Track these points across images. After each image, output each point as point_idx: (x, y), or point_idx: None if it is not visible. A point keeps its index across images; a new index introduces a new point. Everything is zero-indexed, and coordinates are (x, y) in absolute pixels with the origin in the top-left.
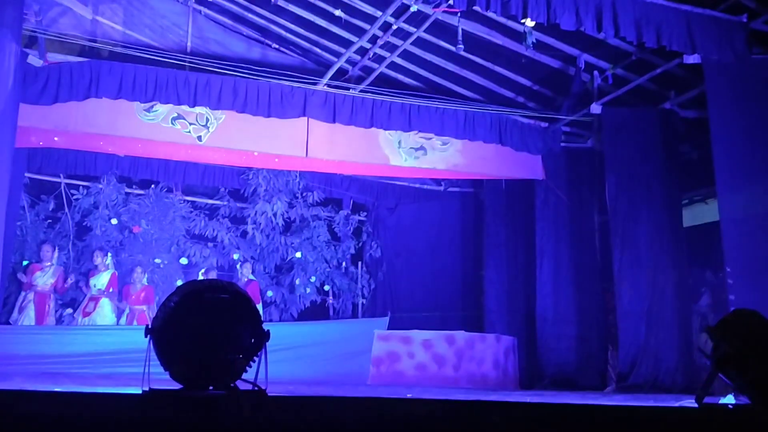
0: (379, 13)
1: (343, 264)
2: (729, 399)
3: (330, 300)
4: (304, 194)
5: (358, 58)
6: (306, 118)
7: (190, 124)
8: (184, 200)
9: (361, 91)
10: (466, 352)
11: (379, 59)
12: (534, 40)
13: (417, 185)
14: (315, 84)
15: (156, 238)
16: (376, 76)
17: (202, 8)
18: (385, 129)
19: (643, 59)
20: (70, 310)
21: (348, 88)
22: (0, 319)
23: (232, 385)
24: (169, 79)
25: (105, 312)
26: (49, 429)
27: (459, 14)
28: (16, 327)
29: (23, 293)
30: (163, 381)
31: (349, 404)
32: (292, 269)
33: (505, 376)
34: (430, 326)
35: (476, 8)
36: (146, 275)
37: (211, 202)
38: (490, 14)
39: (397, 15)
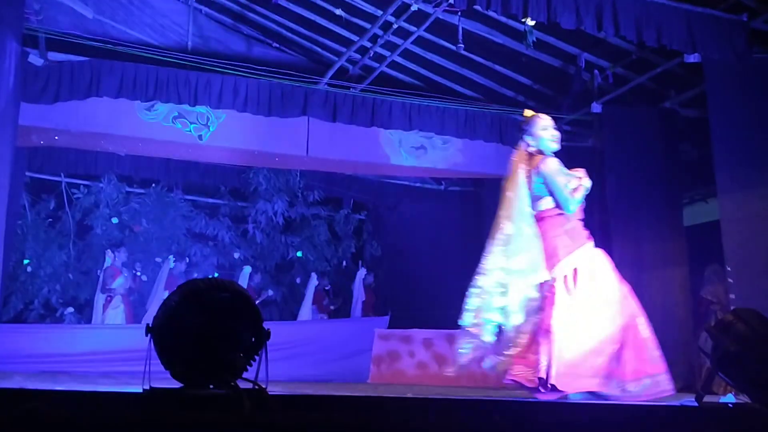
0: (379, 13)
1: (344, 263)
2: (729, 399)
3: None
4: (305, 193)
5: (359, 57)
6: (306, 117)
7: (191, 123)
8: (185, 199)
9: (361, 90)
10: None
11: (379, 58)
12: (534, 39)
13: (417, 184)
14: (316, 83)
15: (156, 237)
16: (377, 75)
17: (202, 7)
18: (386, 128)
19: (644, 58)
20: (71, 309)
21: (349, 87)
22: (0, 319)
23: (232, 383)
24: (170, 78)
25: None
26: (49, 428)
27: (459, 13)
28: (16, 326)
29: (105, 296)
30: (164, 380)
31: (349, 403)
32: (292, 268)
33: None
34: (430, 325)
35: (477, 7)
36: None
37: (211, 201)
38: (491, 13)
39: (397, 14)
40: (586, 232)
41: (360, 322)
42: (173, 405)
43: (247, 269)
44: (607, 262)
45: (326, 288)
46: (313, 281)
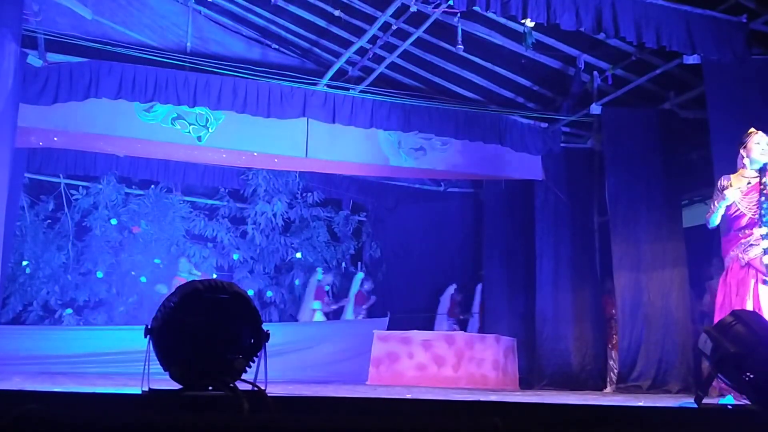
0: (378, 14)
1: (343, 264)
2: (729, 399)
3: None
4: (304, 194)
5: (358, 58)
6: (306, 119)
7: (190, 124)
8: (184, 200)
9: (360, 91)
10: (465, 352)
11: (378, 59)
12: (534, 41)
13: (417, 186)
14: (315, 84)
15: (155, 238)
16: (376, 76)
17: (201, 8)
18: (385, 129)
19: (643, 60)
20: (70, 311)
21: (348, 89)
22: None
23: (231, 385)
24: (169, 79)
25: None
26: (48, 429)
27: (459, 15)
28: (16, 327)
29: None
30: (163, 381)
31: (349, 404)
32: (291, 270)
33: (504, 377)
34: (429, 326)
35: (476, 9)
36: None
37: (210, 202)
38: (490, 15)
39: (396, 15)
40: (735, 244)
41: (359, 323)
42: (172, 406)
43: (359, 276)
44: (740, 279)
45: (458, 298)
46: (450, 291)
